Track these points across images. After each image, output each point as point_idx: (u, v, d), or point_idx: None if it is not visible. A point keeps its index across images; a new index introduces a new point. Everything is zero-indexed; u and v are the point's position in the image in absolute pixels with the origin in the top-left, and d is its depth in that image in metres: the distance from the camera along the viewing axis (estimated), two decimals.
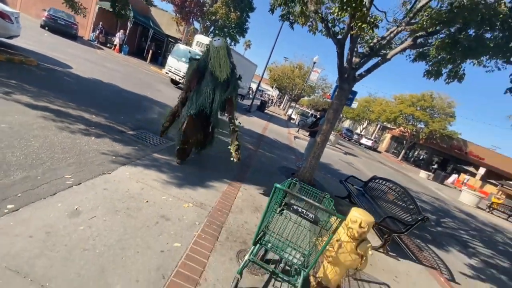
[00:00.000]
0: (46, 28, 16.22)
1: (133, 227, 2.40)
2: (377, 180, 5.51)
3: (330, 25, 5.02)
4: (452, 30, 4.18)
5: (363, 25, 4.11)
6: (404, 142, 32.29)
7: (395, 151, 36.96)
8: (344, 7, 3.49)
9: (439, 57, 4.98)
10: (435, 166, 29.50)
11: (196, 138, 4.37)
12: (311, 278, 2.50)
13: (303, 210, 2.03)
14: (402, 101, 29.71)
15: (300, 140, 13.68)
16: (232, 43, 22.32)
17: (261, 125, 13.11)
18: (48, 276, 1.67)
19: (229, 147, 4.09)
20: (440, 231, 7.50)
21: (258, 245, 2.19)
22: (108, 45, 22.48)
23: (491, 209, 16.28)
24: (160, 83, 13.74)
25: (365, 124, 44.45)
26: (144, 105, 7.64)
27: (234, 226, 3.12)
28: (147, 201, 2.88)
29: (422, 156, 34.19)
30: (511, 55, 3.89)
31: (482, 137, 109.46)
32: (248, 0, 18.65)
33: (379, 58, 5.60)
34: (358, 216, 2.21)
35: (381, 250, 3.99)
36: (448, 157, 31.12)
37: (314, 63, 24.15)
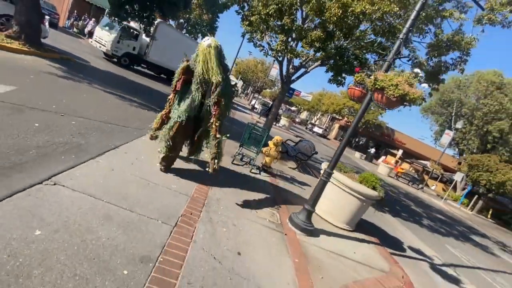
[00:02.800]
0: None
1: None
2: (302, 141, 9.68)
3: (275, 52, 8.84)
4: (332, 61, 8.32)
5: (291, 55, 8.03)
6: (347, 130, 38.66)
7: (341, 138, 43.54)
8: (277, 51, 7.34)
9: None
10: (369, 150, 36.25)
11: (183, 145, 4.22)
12: (259, 164, 6.40)
13: (257, 133, 5.88)
14: (345, 95, 35.61)
15: (260, 125, 17.66)
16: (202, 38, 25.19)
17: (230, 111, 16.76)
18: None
19: (206, 154, 3.90)
20: None
21: (241, 147, 5.99)
22: (75, 29, 23.45)
23: (397, 176, 22.38)
24: (148, 75, 16.46)
25: (318, 115, 50.61)
26: (153, 93, 10.79)
27: (229, 152, 6.86)
28: None
29: (361, 142, 41.15)
30: (351, 73, 8.27)
31: (414, 129, 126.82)
32: (219, 4, 21.68)
33: (305, 69, 9.68)
34: (278, 137, 6.14)
35: (296, 169, 8.11)
36: (380, 143, 38.31)
37: (274, 60, 28.27)
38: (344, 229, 4.94)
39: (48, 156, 3.05)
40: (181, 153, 4.36)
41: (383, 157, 34.41)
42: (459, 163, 26.66)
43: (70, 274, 1.80)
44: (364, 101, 3.70)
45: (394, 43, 6.89)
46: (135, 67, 16.21)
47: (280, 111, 28.78)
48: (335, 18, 5.49)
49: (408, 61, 3.99)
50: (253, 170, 5.94)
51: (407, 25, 3.46)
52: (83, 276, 1.82)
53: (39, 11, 8.10)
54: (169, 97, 4.13)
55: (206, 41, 3.62)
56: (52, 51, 8.93)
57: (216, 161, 3.75)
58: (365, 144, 39.42)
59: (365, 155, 29.64)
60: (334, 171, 5.20)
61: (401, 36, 3.50)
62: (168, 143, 3.73)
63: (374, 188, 4.82)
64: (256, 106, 32.04)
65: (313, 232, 4.09)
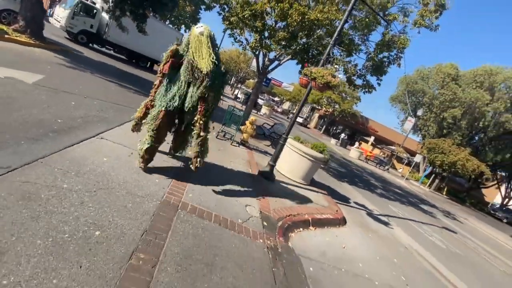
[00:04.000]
0: None
1: None
2: (276, 124, 11.36)
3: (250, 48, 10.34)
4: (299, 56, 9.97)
5: (264, 50, 9.56)
6: (325, 119, 40.98)
7: (320, 127, 45.97)
8: (252, 48, 8.84)
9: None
10: (345, 138, 38.91)
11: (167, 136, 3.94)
12: (239, 140, 8.01)
13: (236, 114, 7.46)
14: None
15: (242, 112, 19.20)
16: (186, 30, 25.98)
17: None
18: None
19: (189, 151, 3.79)
20: None
21: (223, 125, 7.55)
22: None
23: (366, 159, 24.81)
24: (137, 66, 17.37)
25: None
26: (144, 81, 12.00)
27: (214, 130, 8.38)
28: None
29: (338, 130, 43.78)
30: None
31: (389, 119, 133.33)
32: None
33: (279, 62, 11.28)
34: (252, 117, 7.74)
35: (270, 146, 9.81)
36: (355, 131, 41.05)
37: None
38: (300, 183, 6.68)
39: (90, 123, 4.48)
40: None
41: (357, 144, 37.16)
42: (422, 147, 29.67)
43: (131, 176, 3.34)
44: (308, 87, 5.36)
45: (343, 42, 8.64)
46: (107, 49, 15.89)
47: (262, 101, 30.37)
48: (295, 23, 7.05)
49: (332, 59, 5.31)
50: (233, 144, 7.53)
51: (335, 35, 5.11)
52: (136, 179, 3.37)
53: (42, 7, 9.05)
54: (155, 83, 3.80)
55: (198, 28, 3.51)
56: (53, 43, 9.93)
57: (198, 159, 3.62)
58: (341, 132, 42.01)
59: (340, 141, 32.03)
60: (295, 141, 6.91)
61: (331, 42, 5.15)
62: (154, 132, 3.55)
63: (321, 152, 6.57)
64: (239, 96, 33.38)
65: (274, 181, 5.78)
